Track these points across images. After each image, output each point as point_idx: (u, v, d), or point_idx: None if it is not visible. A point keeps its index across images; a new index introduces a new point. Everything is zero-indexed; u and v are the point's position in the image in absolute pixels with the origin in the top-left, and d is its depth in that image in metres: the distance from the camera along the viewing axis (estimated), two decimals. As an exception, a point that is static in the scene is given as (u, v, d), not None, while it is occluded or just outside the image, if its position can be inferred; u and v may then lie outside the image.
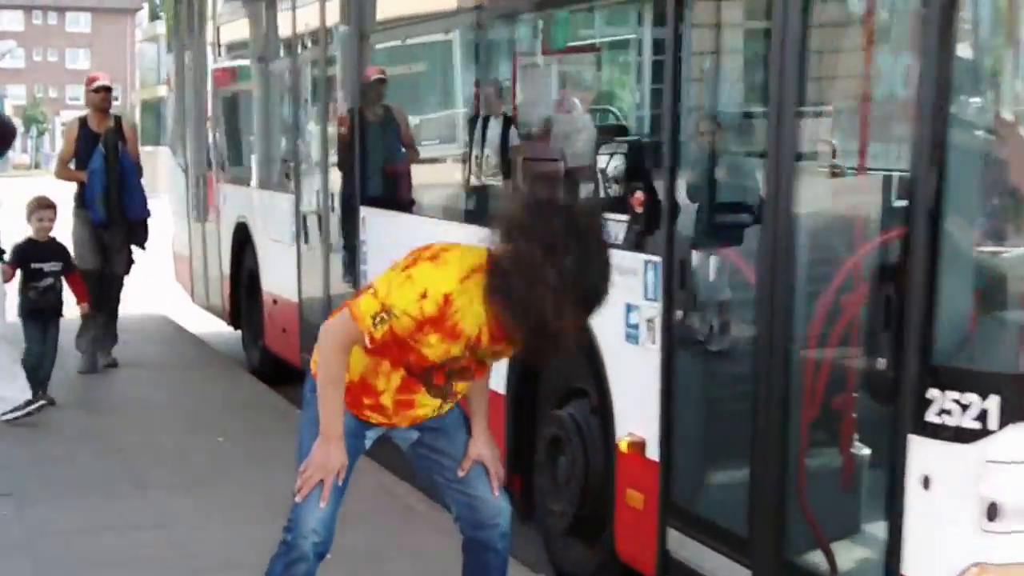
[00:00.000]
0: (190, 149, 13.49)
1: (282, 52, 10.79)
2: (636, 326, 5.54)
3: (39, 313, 9.69)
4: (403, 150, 8.62)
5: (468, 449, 4.71)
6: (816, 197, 4.80)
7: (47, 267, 9.69)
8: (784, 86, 4.64)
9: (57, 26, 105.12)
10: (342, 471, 4.52)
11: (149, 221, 11.12)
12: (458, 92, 8.10)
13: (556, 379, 6.40)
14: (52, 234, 9.82)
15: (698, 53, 5.39)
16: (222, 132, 12.61)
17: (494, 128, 7.05)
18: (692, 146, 5.40)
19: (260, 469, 7.89)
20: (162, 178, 23.80)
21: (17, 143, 62.14)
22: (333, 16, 9.29)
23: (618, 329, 5.66)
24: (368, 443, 4.75)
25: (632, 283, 5.56)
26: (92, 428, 9.16)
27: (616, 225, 5.69)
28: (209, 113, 12.85)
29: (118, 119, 11.23)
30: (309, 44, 9.97)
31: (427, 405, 4.56)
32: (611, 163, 5.83)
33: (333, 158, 9.34)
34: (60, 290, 9.81)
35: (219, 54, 12.61)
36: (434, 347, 4.27)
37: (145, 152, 11.54)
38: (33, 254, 9.65)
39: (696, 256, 5.21)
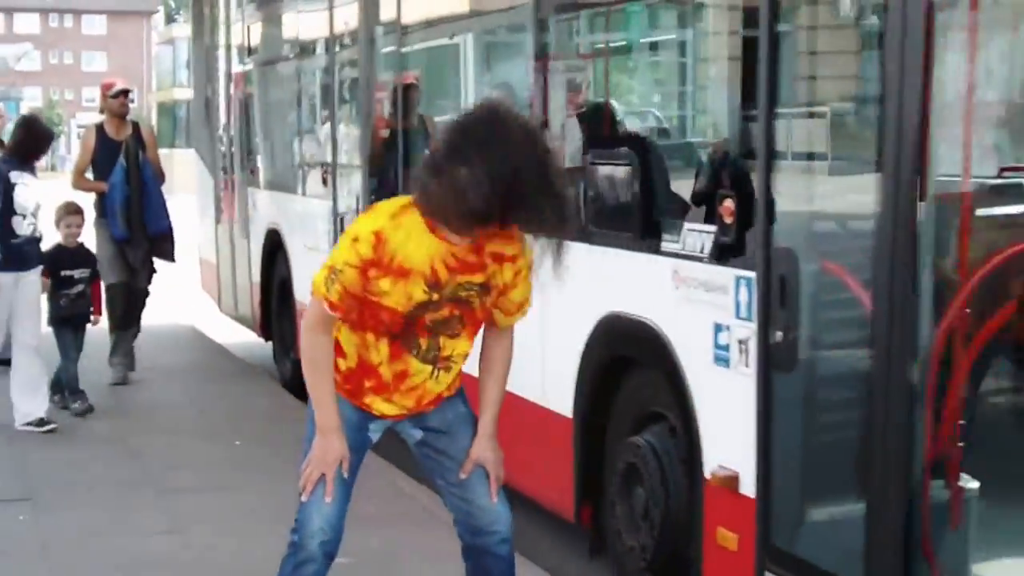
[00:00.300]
0: (218, 153, 13.04)
1: (316, 54, 10.34)
2: (726, 347, 5.07)
3: (69, 321, 9.53)
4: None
5: (471, 450, 4.57)
6: (942, 206, 4.32)
7: (77, 274, 9.55)
8: (906, 82, 4.16)
9: (73, 29, 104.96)
10: (344, 463, 4.43)
11: (174, 233, 10.77)
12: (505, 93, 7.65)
13: (631, 403, 5.93)
14: (79, 240, 9.68)
15: (794, 51, 4.91)
16: (252, 135, 12.14)
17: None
18: (788, 149, 4.89)
19: (280, 476, 7.41)
20: (181, 181, 23.50)
21: None
22: (371, 16, 8.83)
23: (705, 350, 5.18)
24: (374, 436, 4.63)
25: (721, 300, 5.09)
26: (112, 434, 9.05)
27: (701, 237, 5.22)
28: (237, 116, 12.39)
29: (136, 125, 10.84)
30: (345, 45, 9.51)
31: (420, 373, 4.42)
32: (694, 169, 5.39)
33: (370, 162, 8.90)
34: (89, 297, 9.65)
35: (248, 55, 12.16)
36: (390, 293, 4.23)
37: (160, 154, 11.13)
38: (63, 261, 9.51)
39: (798, 270, 4.71)
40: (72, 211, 9.60)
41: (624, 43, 6.46)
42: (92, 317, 9.76)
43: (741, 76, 5.14)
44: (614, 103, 6.35)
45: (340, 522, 4.47)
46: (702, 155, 5.51)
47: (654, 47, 6.08)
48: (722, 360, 5.10)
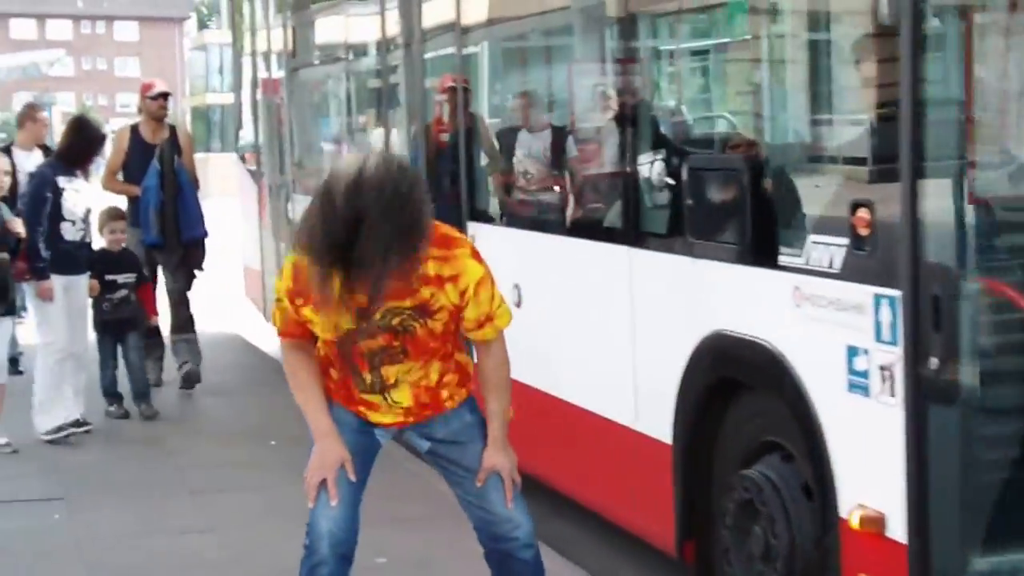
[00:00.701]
0: (263, 158, 12.54)
1: (367, 57, 9.82)
2: (864, 374, 4.50)
3: (113, 326, 9.40)
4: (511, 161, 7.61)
5: (483, 458, 4.61)
6: None
7: (121, 279, 9.39)
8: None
9: (105, 35, 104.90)
10: (347, 465, 4.49)
11: (206, 241, 10.39)
12: (578, 99, 7.12)
13: (741, 430, 5.37)
14: (123, 245, 9.53)
15: (939, 48, 4.35)
16: (299, 140, 11.65)
17: (645, 138, 6.08)
18: (938, 152, 4.31)
19: None
20: (217, 185, 23.04)
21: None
22: (430, 18, 8.28)
23: (836, 376, 4.62)
24: (382, 439, 4.68)
25: (857, 321, 4.52)
26: (149, 436, 9.04)
27: (829, 250, 4.67)
28: (284, 120, 11.90)
29: (173, 129, 10.44)
30: (398, 48, 8.98)
31: (372, 402, 4.54)
32: (818, 175, 4.85)
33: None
34: (135, 302, 9.47)
35: (295, 59, 11.65)
36: (317, 322, 4.35)
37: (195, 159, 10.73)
38: (107, 265, 9.33)
39: (955, 289, 4.15)
40: (115, 216, 9.47)
41: (734, 39, 5.90)
42: (150, 319, 9.71)
43: (876, 75, 4.58)
44: (723, 103, 5.79)
45: (351, 523, 4.51)
46: (828, 160, 4.95)
47: (772, 42, 5.51)
48: (859, 387, 4.54)
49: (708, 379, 5.50)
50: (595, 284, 6.42)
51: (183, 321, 10.42)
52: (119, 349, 9.43)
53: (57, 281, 8.71)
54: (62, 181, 8.70)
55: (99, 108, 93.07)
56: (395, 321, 4.35)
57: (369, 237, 3.98)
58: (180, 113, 67.92)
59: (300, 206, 10.92)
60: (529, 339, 7.08)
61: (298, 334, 4.49)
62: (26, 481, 7.97)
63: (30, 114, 11.72)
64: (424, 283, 4.28)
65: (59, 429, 8.73)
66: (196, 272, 10.41)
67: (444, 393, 4.61)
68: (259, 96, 12.80)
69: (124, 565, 6.42)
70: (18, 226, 8.27)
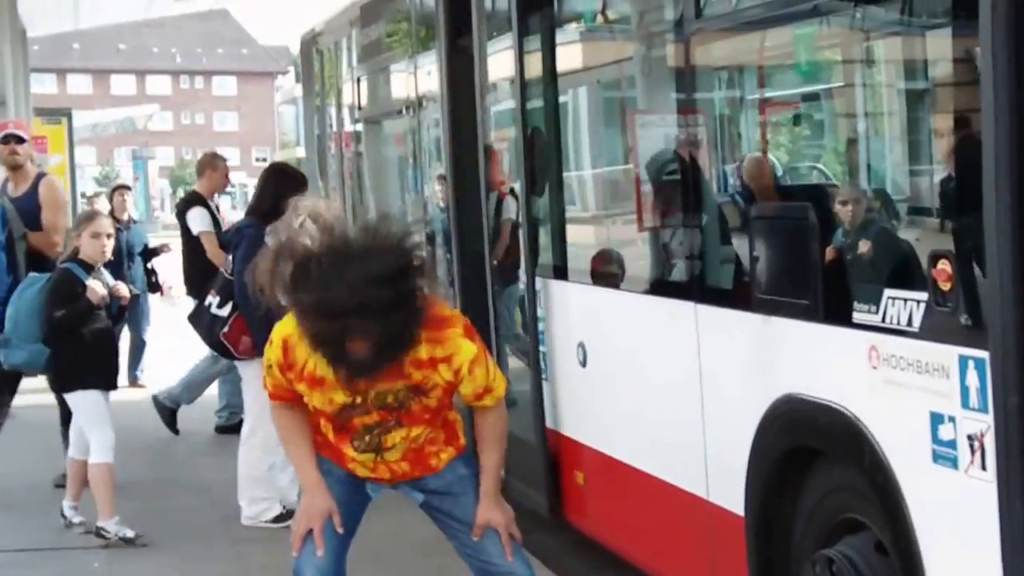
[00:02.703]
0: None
1: (425, 110, 9.43)
2: (951, 444, 4.00)
3: None
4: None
5: (477, 514, 4.67)
6: None
7: None
8: None
9: (204, 90, 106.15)
10: (335, 516, 4.58)
11: None
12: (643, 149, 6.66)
13: (820, 505, 4.86)
14: None
15: None
16: (366, 192, 11.34)
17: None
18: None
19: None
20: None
21: (166, 203, 61.39)
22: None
23: (920, 446, 4.12)
24: (373, 494, 4.78)
25: (939, 385, 4.03)
26: (200, 486, 9.05)
27: (908, 306, 4.18)
28: (346, 173, 11.61)
29: (39, 179, 9.27)
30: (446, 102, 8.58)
31: (366, 460, 4.60)
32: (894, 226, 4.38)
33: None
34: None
35: (363, 111, 11.33)
36: (311, 397, 4.44)
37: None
38: None
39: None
40: None
41: (806, 88, 5.43)
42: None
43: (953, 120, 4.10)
44: (790, 153, 5.32)
45: (336, 574, 4.61)
46: (903, 209, 4.47)
47: (847, 92, 5.05)
48: (945, 459, 4.04)
49: (781, 447, 5.01)
50: (662, 342, 5.98)
51: None
52: None
53: None
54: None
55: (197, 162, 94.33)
56: (389, 399, 4.44)
57: (362, 338, 4.07)
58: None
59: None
60: (595, 401, 6.70)
61: (288, 398, 4.57)
62: (67, 532, 7.92)
63: (211, 163, 10.93)
64: (416, 367, 4.34)
65: None
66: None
67: (431, 450, 4.67)
68: (332, 149, 12.50)
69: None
70: (124, 290, 7.85)
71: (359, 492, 4.76)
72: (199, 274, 9.75)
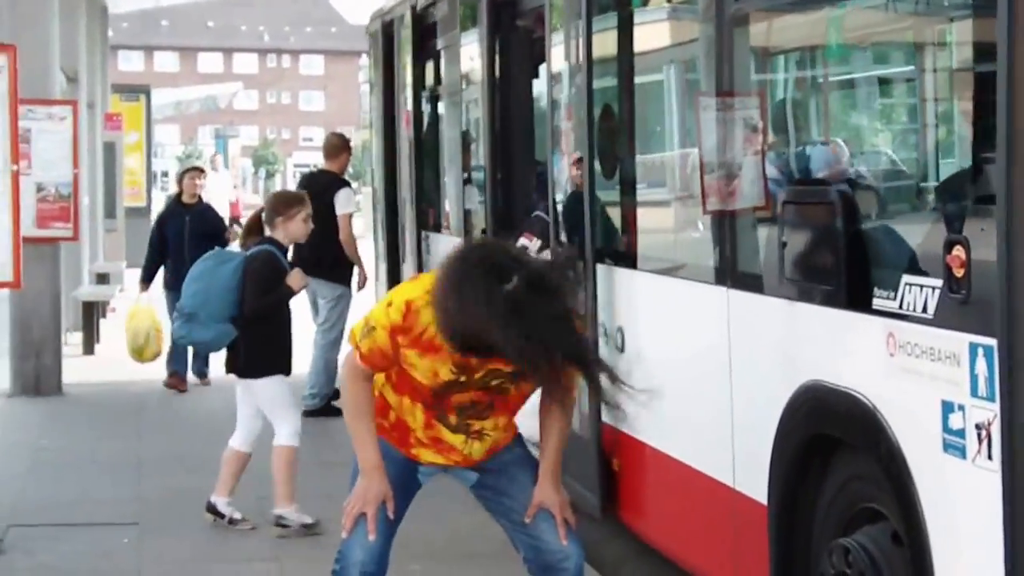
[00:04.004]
0: (405, 200, 11.96)
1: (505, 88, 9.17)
2: (960, 433, 3.95)
3: None
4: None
5: (533, 495, 4.65)
6: None
7: None
8: None
9: (291, 69, 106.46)
10: (389, 502, 4.58)
11: None
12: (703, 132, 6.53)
13: (840, 494, 4.81)
14: None
15: None
16: (429, 175, 11.22)
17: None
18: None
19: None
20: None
21: (248, 183, 61.22)
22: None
23: (931, 435, 4.07)
24: (424, 479, 4.80)
25: (950, 373, 3.98)
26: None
27: (924, 293, 4.13)
28: (415, 155, 11.40)
29: None
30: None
31: (455, 441, 4.60)
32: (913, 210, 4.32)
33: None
34: None
35: (430, 91, 11.24)
36: (417, 366, 4.42)
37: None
38: None
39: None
40: None
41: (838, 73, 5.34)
42: None
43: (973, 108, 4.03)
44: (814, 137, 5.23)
45: (383, 558, 4.61)
46: (920, 193, 4.41)
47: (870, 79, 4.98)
48: (955, 448, 3.98)
49: (803, 435, 4.95)
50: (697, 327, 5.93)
51: None
52: None
53: None
54: None
55: (282, 142, 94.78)
56: (494, 382, 4.44)
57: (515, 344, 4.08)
58: (361, 148, 68.75)
59: (435, 244, 10.50)
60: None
61: (379, 366, 4.53)
62: (104, 506, 8.05)
63: (347, 144, 11.28)
64: None
65: None
66: None
67: (503, 436, 4.74)
68: (401, 130, 12.30)
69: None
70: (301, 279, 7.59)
71: (411, 477, 4.77)
72: (324, 255, 10.02)
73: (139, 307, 11.99)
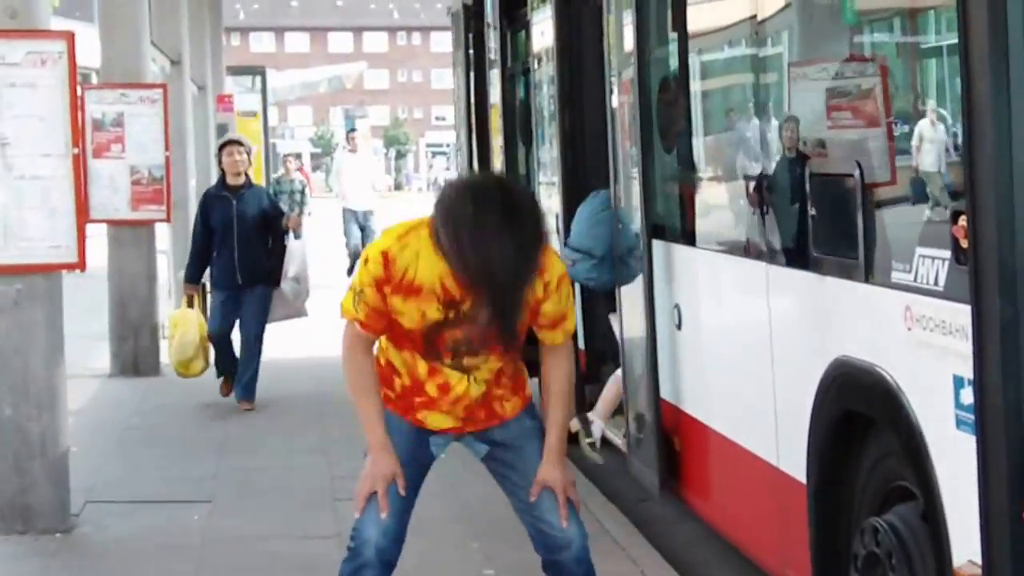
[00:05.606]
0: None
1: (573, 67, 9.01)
2: (970, 409, 3.82)
3: None
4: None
5: (538, 472, 4.63)
6: None
7: None
8: None
9: (421, 46, 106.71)
10: (399, 479, 4.58)
11: None
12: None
13: (874, 473, 4.68)
14: None
15: None
16: (506, 150, 11.09)
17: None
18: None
19: (457, 492, 7.37)
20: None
21: (380, 163, 62.06)
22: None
23: (945, 411, 3.95)
24: (436, 451, 4.76)
25: (960, 347, 3.85)
26: (317, 447, 9.07)
27: (935, 265, 4.00)
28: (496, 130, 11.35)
29: None
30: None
31: (459, 382, 4.57)
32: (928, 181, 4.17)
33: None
34: None
35: (509, 67, 11.12)
36: (403, 312, 4.44)
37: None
38: None
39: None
40: None
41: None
42: None
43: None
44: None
45: (398, 534, 4.61)
46: (932, 164, 4.25)
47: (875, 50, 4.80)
48: (966, 425, 3.86)
49: (835, 412, 4.84)
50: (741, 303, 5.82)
51: None
52: None
53: None
54: None
55: (413, 121, 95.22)
56: (478, 313, 4.42)
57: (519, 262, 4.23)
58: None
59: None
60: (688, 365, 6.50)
61: (379, 328, 4.55)
62: (183, 484, 8.18)
63: None
64: None
65: None
66: None
67: (498, 393, 4.67)
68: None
69: (234, 565, 6.62)
70: None
71: (423, 450, 4.73)
72: None
73: (185, 313, 10.57)
